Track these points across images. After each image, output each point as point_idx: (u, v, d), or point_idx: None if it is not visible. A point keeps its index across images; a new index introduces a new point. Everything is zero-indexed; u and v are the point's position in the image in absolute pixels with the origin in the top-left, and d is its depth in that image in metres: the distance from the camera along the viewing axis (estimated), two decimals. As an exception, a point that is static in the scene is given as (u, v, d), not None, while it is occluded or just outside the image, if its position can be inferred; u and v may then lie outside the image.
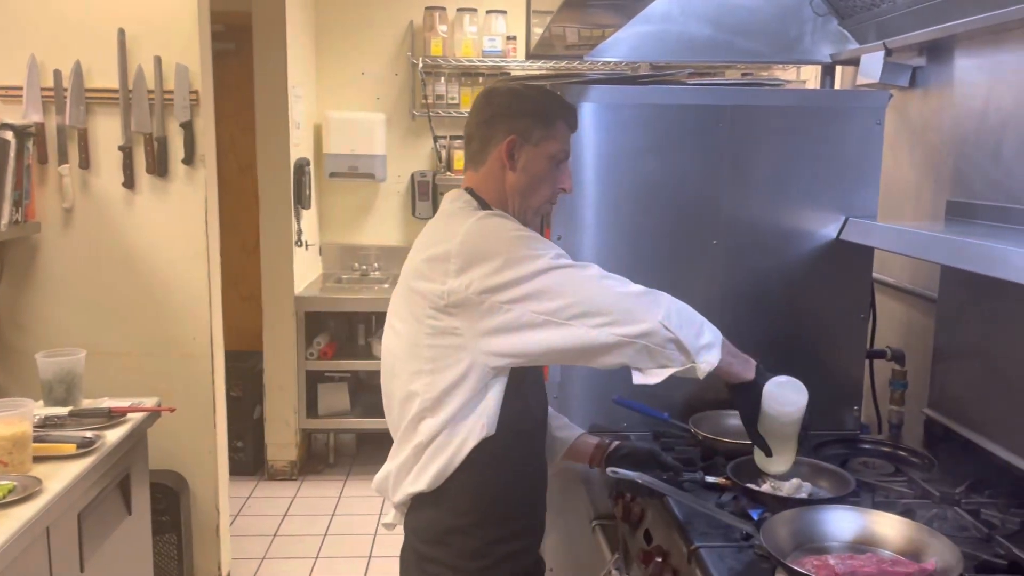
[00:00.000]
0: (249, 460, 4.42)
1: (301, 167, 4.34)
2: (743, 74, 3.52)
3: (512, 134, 1.58)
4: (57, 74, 2.82)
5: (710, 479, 1.71)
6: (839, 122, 1.99)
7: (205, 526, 3.08)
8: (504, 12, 4.57)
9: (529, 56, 2.80)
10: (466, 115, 1.73)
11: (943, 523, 1.55)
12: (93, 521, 2.09)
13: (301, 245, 4.40)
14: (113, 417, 2.28)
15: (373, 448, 4.65)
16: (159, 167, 2.87)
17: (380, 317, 1.72)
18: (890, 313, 2.33)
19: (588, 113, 1.95)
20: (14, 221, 2.67)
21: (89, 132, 2.87)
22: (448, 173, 4.69)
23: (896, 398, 2.15)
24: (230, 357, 3.71)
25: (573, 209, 1.98)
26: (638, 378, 1.50)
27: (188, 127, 2.86)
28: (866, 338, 2.11)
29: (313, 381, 4.45)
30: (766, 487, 1.64)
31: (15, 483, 1.85)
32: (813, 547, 1.41)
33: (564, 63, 3.78)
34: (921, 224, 1.92)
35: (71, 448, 2.06)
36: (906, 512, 1.53)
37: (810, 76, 3.28)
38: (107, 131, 2.88)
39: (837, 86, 2.53)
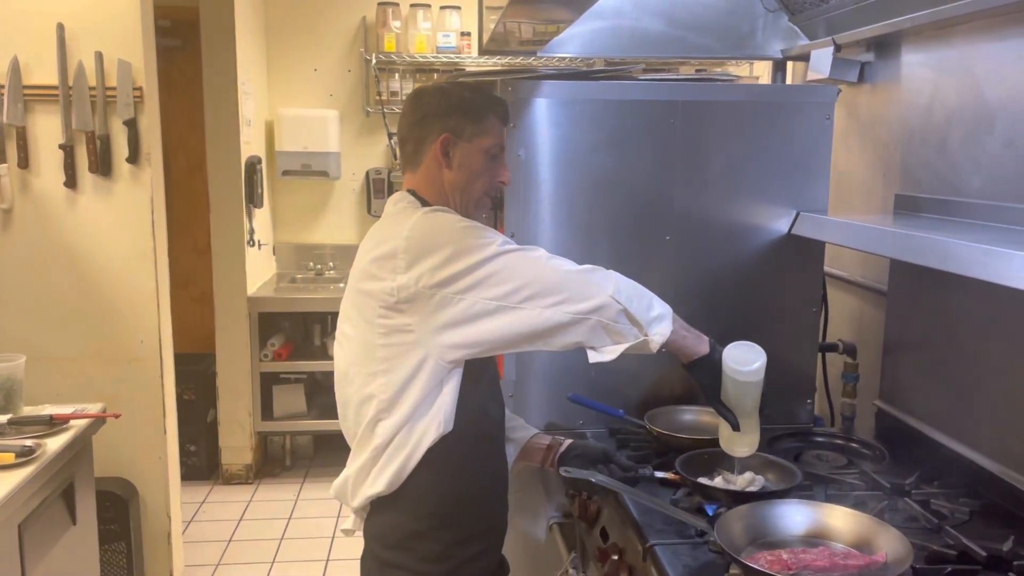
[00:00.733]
0: (203, 464, 4.34)
1: (252, 165, 4.26)
2: (697, 70, 3.54)
3: (444, 132, 1.57)
4: (-7, 70, 2.73)
5: (659, 474, 1.70)
6: (790, 117, 2.00)
7: (156, 533, 3.01)
8: (458, 8, 4.54)
9: (482, 52, 2.77)
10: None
11: (894, 514, 1.57)
12: (35, 532, 2.03)
13: (254, 245, 4.33)
14: (55, 424, 2.21)
15: (330, 450, 4.60)
16: (102, 166, 2.79)
17: (336, 317, 1.69)
18: (842, 306, 2.36)
19: (541, 108, 1.94)
20: (-51, 223, 2.58)
21: (28, 130, 2.78)
22: (404, 170, 4.64)
23: (848, 391, 2.17)
24: (182, 360, 3.64)
25: (527, 205, 1.96)
26: (593, 356, 1.50)
27: (132, 125, 2.79)
28: (818, 332, 2.13)
29: (268, 383, 4.38)
30: (718, 480, 1.65)
31: (-51, 495, 1.78)
32: (767, 542, 1.41)
33: (519, 59, 3.78)
34: (870, 218, 1.94)
35: (10, 458, 2.00)
36: (858, 504, 1.54)
37: (763, 72, 3.31)
38: (47, 129, 2.79)
39: (789, 82, 2.55)
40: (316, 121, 4.54)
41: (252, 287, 4.33)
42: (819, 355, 2.15)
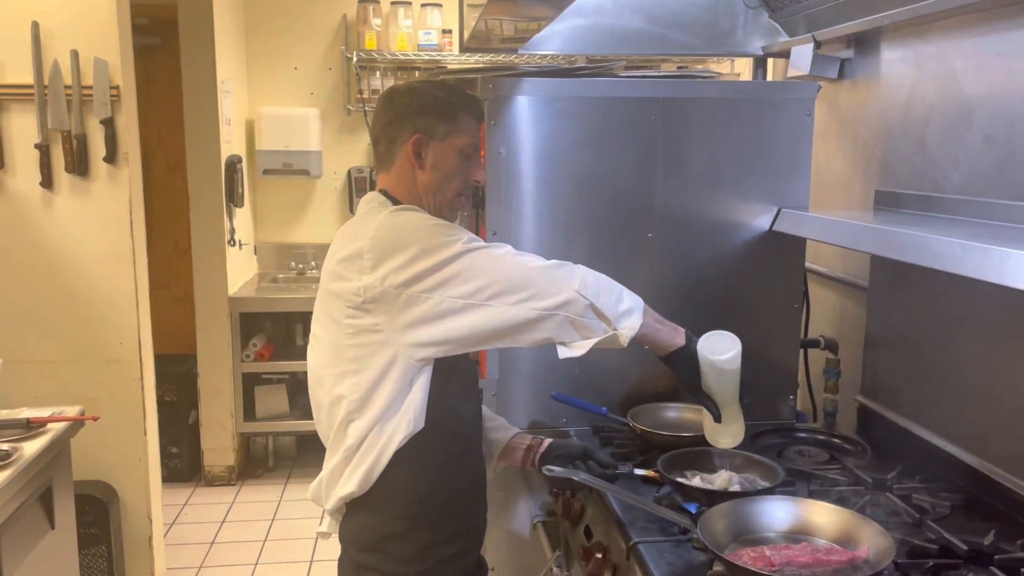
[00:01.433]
0: (185, 466, 4.30)
1: (233, 164, 4.23)
2: (679, 67, 3.55)
3: (416, 132, 1.56)
4: (-33, 69, 2.69)
5: (639, 472, 1.70)
6: (770, 114, 2.00)
7: (137, 537, 2.98)
8: (439, 5, 4.53)
9: (463, 49, 2.76)
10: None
11: (876, 509, 1.57)
12: (12, 537, 2.00)
13: (234, 244, 4.29)
14: (32, 428, 2.18)
15: (313, 451, 4.54)
16: (79, 166, 2.76)
17: (318, 317, 1.68)
18: (823, 302, 2.37)
19: (523, 106, 1.93)
20: (-78, 224, 2.54)
21: (3, 130, 2.74)
22: (386, 169, 4.62)
23: (830, 386, 2.18)
24: (163, 361, 3.60)
25: (509, 204, 1.96)
26: (563, 352, 1.50)
27: (109, 124, 2.75)
28: (800, 328, 2.13)
29: (250, 383, 4.34)
30: (696, 480, 1.64)
31: (-77, 501, 1.75)
32: (750, 539, 1.42)
33: (500, 56, 3.76)
34: (850, 214, 1.94)
35: (-14, 462, 1.97)
36: (840, 500, 1.54)
37: (745, 68, 3.31)
38: (22, 129, 2.75)
39: (770, 78, 2.56)
40: (297, 120, 4.51)
41: (233, 287, 4.29)
42: (801, 351, 2.16)
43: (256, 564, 3.52)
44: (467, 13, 2.47)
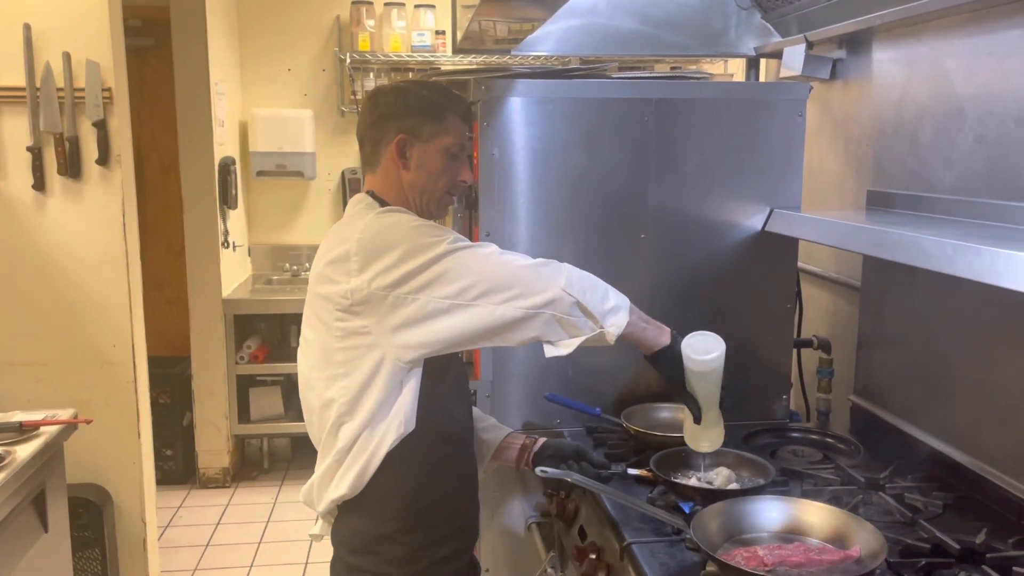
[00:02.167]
0: (179, 469, 4.30)
1: (226, 166, 4.22)
2: (672, 68, 3.55)
3: (401, 133, 1.56)
4: (-42, 71, 2.68)
5: (632, 471, 1.70)
6: (762, 114, 2.00)
7: (131, 540, 2.97)
8: (433, 7, 4.52)
9: (456, 51, 2.76)
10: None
11: (868, 508, 1.58)
12: (5, 541, 1.99)
13: (228, 246, 4.29)
14: (25, 431, 2.17)
15: (308, 452, 4.52)
16: (71, 168, 2.75)
17: (312, 318, 1.68)
18: (816, 302, 2.37)
19: (516, 107, 1.93)
20: (-86, 227, 2.53)
21: (-5, 132, 2.73)
22: (380, 170, 4.61)
23: (823, 386, 2.19)
24: (157, 363, 3.60)
25: (502, 205, 1.96)
26: (550, 351, 1.50)
27: (102, 126, 2.74)
28: (793, 328, 2.14)
29: (244, 385, 4.34)
30: (693, 480, 1.65)
31: (-85, 505, 1.74)
32: (743, 538, 1.42)
33: (493, 57, 3.76)
34: (843, 214, 1.95)
35: (-22, 465, 1.96)
36: (833, 499, 1.55)
37: (738, 69, 3.32)
38: (14, 131, 2.74)
39: (762, 79, 2.56)
40: (290, 121, 4.50)
41: (227, 289, 4.28)
42: (794, 351, 2.16)
43: (251, 567, 3.52)
44: (460, 14, 2.47)
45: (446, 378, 1.57)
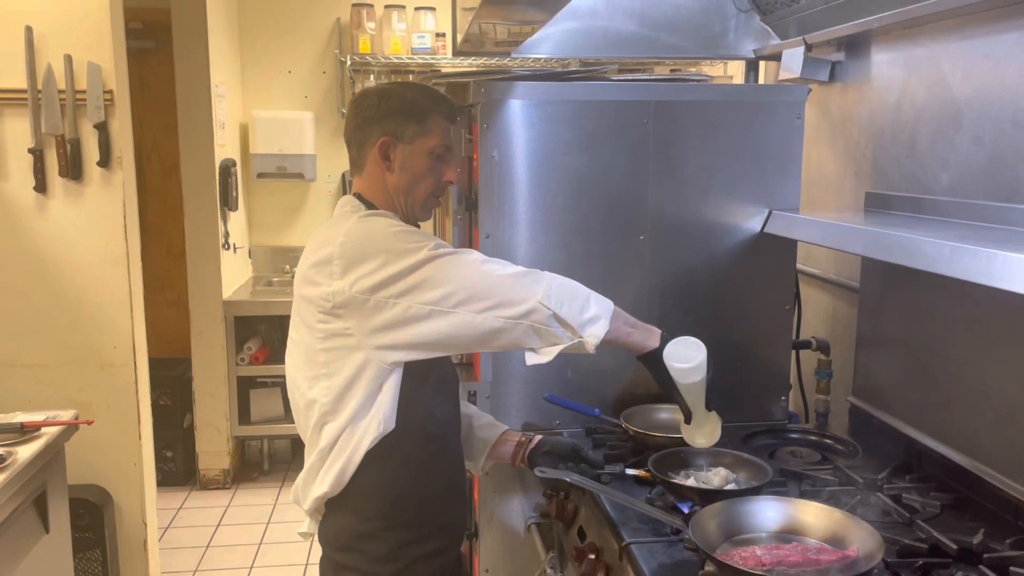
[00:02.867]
0: (180, 470, 4.30)
1: (227, 168, 4.23)
2: (672, 70, 3.56)
3: (384, 135, 1.57)
4: (-40, 74, 2.69)
5: (630, 471, 1.71)
6: (761, 117, 2.01)
7: (132, 541, 2.97)
8: (433, 9, 4.53)
9: (456, 53, 2.77)
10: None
11: (866, 509, 1.58)
12: (6, 541, 2.00)
13: (229, 248, 4.29)
14: (26, 432, 2.18)
15: (309, 453, 4.56)
16: (73, 170, 2.76)
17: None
18: (815, 304, 2.38)
19: (515, 110, 1.94)
20: (-84, 228, 2.54)
21: (-4, 134, 2.73)
22: (380, 172, 4.62)
23: (822, 387, 2.19)
24: (157, 365, 3.61)
25: (501, 207, 1.96)
26: (531, 358, 1.51)
27: (103, 128, 2.75)
28: (792, 329, 2.14)
29: (245, 387, 4.35)
30: (692, 480, 1.65)
31: (-83, 505, 1.75)
32: (741, 539, 1.42)
33: (493, 60, 3.77)
34: (841, 216, 1.95)
35: (-20, 466, 1.96)
36: (831, 499, 1.55)
37: (737, 71, 3.33)
38: (16, 133, 2.75)
39: (761, 81, 2.57)
40: (291, 123, 4.51)
41: (228, 291, 4.29)
42: (793, 352, 2.17)
43: (251, 567, 3.52)
44: (460, 17, 2.48)
45: (429, 378, 1.58)
